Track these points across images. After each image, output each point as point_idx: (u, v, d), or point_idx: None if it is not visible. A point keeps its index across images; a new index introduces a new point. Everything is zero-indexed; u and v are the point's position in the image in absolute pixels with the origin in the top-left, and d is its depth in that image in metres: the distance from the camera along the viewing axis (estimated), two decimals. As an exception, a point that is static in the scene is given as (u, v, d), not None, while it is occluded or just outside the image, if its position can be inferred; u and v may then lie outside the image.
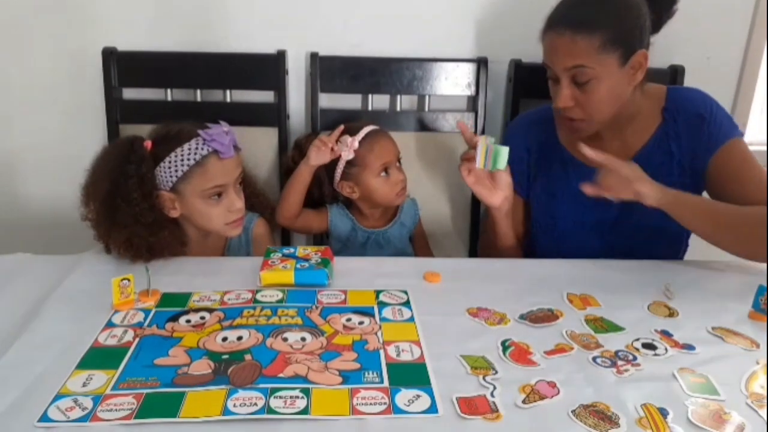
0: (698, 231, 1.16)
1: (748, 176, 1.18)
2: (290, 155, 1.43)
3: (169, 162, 1.17)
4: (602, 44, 1.09)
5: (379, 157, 1.35)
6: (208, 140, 1.17)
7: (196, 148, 1.17)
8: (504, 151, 1.18)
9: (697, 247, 1.28)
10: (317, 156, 1.31)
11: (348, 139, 1.32)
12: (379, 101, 1.62)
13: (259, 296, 1.02)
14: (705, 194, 1.24)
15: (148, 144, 1.19)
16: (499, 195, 1.25)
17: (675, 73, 1.57)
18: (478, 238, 1.61)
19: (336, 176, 1.38)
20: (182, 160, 1.17)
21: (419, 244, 1.53)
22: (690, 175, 1.22)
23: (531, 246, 1.36)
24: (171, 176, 1.18)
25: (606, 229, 1.27)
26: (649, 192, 1.09)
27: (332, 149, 1.32)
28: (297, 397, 0.77)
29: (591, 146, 1.23)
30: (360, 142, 1.34)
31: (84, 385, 0.79)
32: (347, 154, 1.33)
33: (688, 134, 1.21)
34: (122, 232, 1.13)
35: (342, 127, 1.35)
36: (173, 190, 1.19)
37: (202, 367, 0.83)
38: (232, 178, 1.21)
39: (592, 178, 1.20)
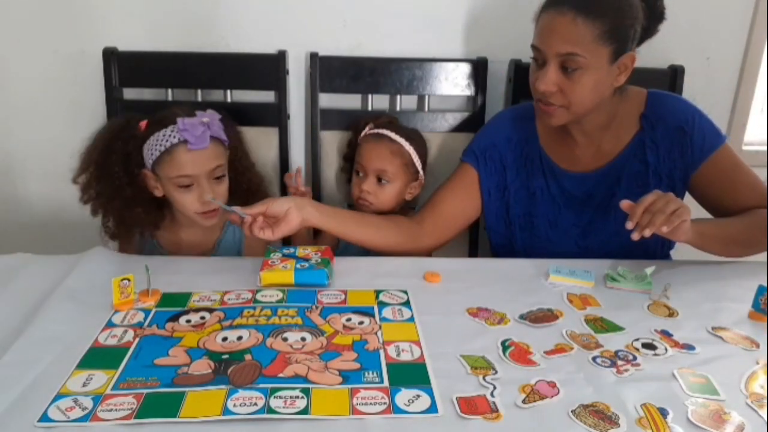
0: (714, 253, 1.18)
1: (738, 182, 1.19)
2: (348, 141, 1.52)
3: (149, 144, 1.20)
4: (601, 33, 1.07)
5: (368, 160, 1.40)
6: (180, 129, 1.17)
7: (167, 136, 1.18)
8: None
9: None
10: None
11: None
12: (379, 101, 1.62)
13: (259, 296, 1.02)
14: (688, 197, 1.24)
15: (143, 124, 1.21)
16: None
17: (675, 73, 1.56)
18: (476, 238, 1.60)
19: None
20: (156, 144, 1.19)
21: None
22: (667, 185, 1.22)
23: (511, 242, 1.33)
24: (149, 157, 1.20)
25: (580, 232, 1.27)
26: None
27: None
28: (297, 397, 0.77)
29: (566, 152, 1.25)
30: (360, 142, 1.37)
31: (84, 385, 0.79)
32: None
33: (668, 146, 1.21)
34: (99, 199, 1.22)
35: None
36: (153, 171, 1.22)
37: (202, 367, 0.83)
38: (202, 170, 1.20)
39: (567, 181, 1.23)
